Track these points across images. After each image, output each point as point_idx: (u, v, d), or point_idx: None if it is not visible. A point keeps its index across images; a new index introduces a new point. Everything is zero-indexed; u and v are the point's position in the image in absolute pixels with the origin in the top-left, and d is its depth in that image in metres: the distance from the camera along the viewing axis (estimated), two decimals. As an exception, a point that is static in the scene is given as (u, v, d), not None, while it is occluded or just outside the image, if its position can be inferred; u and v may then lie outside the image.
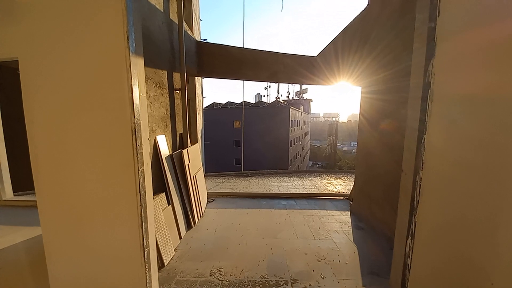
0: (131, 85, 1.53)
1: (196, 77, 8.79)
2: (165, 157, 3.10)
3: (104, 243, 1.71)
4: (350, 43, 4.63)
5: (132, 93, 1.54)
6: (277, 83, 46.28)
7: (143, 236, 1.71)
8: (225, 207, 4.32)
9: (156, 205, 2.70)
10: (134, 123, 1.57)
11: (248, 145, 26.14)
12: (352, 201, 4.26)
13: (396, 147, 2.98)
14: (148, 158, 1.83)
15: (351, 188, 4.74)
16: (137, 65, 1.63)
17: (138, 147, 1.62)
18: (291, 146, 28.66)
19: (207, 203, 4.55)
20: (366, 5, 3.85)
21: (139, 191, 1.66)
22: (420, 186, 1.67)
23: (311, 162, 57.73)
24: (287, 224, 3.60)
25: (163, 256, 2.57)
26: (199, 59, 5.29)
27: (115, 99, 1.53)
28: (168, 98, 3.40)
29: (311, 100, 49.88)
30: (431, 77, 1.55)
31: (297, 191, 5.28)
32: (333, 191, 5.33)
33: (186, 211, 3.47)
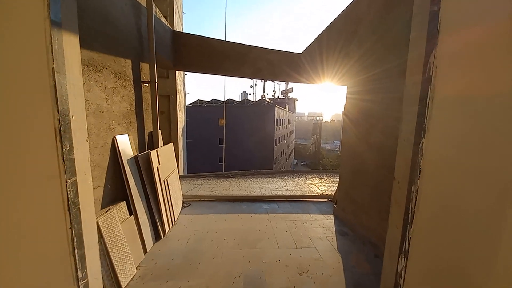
0: (53, 69, 1.13)
1: (177, 72, 8.25)
2: (127, 160, 2.67)
3: (29, 280, 1.30)
4: (336, 41, 4.43)
5: (54, 80, 1.14)
6: (262, 81, 46.10)
7: (76, 266, 1.32)
8: (202, 213, 3.95)
9: (111, 218, 2.28)
10: (59, 120, 1.18)
11: (233, 144, 25.70)
12: (336, 204, 4.08)
13: (383, 149, 2.79)
14: (86, 165, 1.43)
15: (335, 189, 4.58)
16: (67, 43, 1.23)
17: (66, 152, 1.22)
18: (276, 144, 28.61)
19: (182, 208, 4.16)
20: (351, 1, 3.64)
21: (69, 209, 1.26)
22: (416, 198, 1.44)
23: (296, 160, 58.43)
24: (268, 232, 3.31)
25: (119, 278, 2.17)
26: (176, 51, 4.83)
27: (32, 89, 1.13)
28: (133, 92, 2.96)
29: (296, 100, 50.29)
30: (432, 71, 1.31)
31: (280, 193, 5.03)
32: (317, 192, 5.14)
33: (154, 220, 3.07)
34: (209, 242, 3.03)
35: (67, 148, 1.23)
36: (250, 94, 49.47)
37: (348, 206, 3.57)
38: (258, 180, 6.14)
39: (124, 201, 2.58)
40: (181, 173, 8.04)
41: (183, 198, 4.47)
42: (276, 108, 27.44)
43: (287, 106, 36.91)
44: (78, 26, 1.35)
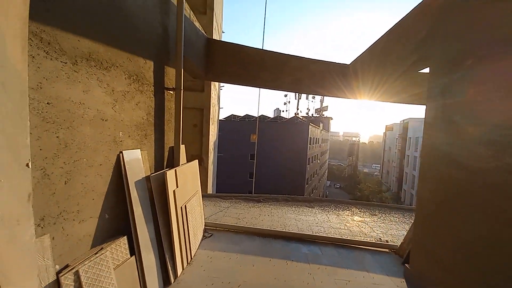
0: None
1: (212, 86, 8.06)
2: (135, 182, 2.11)
3: None
4: (401, 48, 3.50)
5: None
6: (296, 99, 45.46)
7: None
8: (225, 250, 3.19)
9: (100, 263, 1.66)
10: None
11: (264, 160, 25.00)
12: (405, 259, 2.93)
13: None
14: (24, 207, 0.81)
15: (403, 237, 3.41)
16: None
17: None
18: (308, 164, 27.01)
19: (202, 239, 3.46)
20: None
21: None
22: None
23: (329, 181, 54.83)
24: (310, 293, 2.37)
25: None
26: (209, 59, 4.45)
27: None
28: (153, 99, 2.48)
29: (331, 118, 48.12)
30: None
31: (322, 231, 4.01)
32: (371, 236, 3.98)
33: (163, 259, 2.41)
34: (230, 300, 2.22)
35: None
36: (283, 111, 49.16)
37: (431, 270, 2.42)
38: (293, 209, 5.19)
39: (125, 236, 1.98)
40: (209, 188, 7.53)
41: (204, 225, 3.80)
42: (310, 126, 26.27)
43: (321, 125, 35.29)
44: None
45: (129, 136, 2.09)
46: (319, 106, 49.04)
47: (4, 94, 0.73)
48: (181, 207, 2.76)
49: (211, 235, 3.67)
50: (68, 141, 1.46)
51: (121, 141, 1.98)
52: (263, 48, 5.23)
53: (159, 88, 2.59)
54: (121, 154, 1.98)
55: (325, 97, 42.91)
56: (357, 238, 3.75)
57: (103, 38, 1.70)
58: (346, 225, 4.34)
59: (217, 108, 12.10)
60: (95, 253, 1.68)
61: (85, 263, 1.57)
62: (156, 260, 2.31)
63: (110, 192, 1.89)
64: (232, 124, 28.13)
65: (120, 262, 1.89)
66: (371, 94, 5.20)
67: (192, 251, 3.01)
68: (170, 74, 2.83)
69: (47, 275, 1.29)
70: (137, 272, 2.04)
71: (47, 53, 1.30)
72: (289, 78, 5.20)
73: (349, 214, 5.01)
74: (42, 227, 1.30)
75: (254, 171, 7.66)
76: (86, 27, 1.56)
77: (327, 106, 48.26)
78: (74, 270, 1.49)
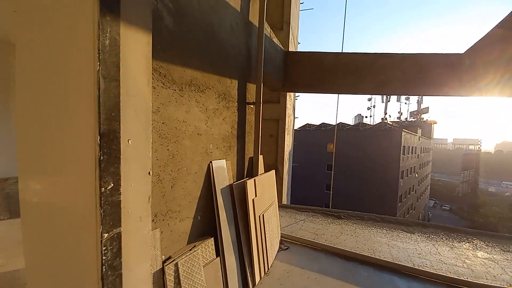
0: (98, 71, 0.79)
1: (287, 96, 8.24)
2: (221, 189, 2.34)
3: None
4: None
5: (98, 88, 0.79)
6: (384, 102, 39.53)
7: None
8: (302, 266, 3.03)
9: (193, 259, 1.91)
10: (100, 145, 0.80)
11: (343, 171, 22.87)
12: None
13: None
14: (144, 209, 1.02)
15: None
16: (128, 41, 0.89)
17: (107, 193, 0.83)
18: (402, 178, 22.57)
19: (278, 251, 3.44)
20: None
21: (102, 278, 0.84)
22: None
23: (433, 201, 43.80)
24: None
25: None
26: (286, 71, 4.55)
27: (69, 98, 0.83)
28: (237, 113, 2.73)
29: (435, 122, 38.84)
30: None
31: (427, 264, 3.17)
32: (504, 280, 2.81)
33: (243, 265, 2.53)
34: (309, 325, 2.05)
35: (109, 187, 0.84)
36: (366, 117, 43.82)
37: None
38: (384, 231, 4.39)
39: (212, 238, 2.21)
40: (284, 199, 7.53)
41: (280, 237, 3.77)
42: (403, 133, 22.10)
43: (419, 131, 29.03)
44: (175, 35, 1.05)
45: (217, 147, 2.36)
46: (415, 108, 40.91)
47: (136, 117, 0.96)
48: (259, 216, 2.84)
49: (287, 248, 3.60)
50: (175, 152, 1.79)
51: (211, 152, 2.26)
52: (343, 51, 4.86)
53: (242, 103, 2.83)
54: (210, 164, 2.26)
55: (423, 96, 35.26)
56: (482, 281, 2.73)
57: (201, 66, 2.03)
58: (465, 262, 3.25)
59: (292, 118, 12.15)
60: (190, 249, 1.95)
61: (183, 257, 1.84)
62: (236, 264, 2.45)
63: (202, 197, 2.16)
64: (307, 134, 27.51)
65: (208, 261, 2.11)
66: (497, 89, 3.88)
67: (269, 261, 3.03)
68: (251, 89, 3.06)
69: (155, 264, 1.58)
70: (221, 272, 2.22)
71: (163, 83, 1.65)
72: (376, 80, 4.59)
73: (470, 248, 3.75)
74: (155, 222, 1.62)
75: (332, 183, 7.05)
76: (190, 59, 1.91)
77: (427, 108, 39.57)
78: (174, 262, 1.77)
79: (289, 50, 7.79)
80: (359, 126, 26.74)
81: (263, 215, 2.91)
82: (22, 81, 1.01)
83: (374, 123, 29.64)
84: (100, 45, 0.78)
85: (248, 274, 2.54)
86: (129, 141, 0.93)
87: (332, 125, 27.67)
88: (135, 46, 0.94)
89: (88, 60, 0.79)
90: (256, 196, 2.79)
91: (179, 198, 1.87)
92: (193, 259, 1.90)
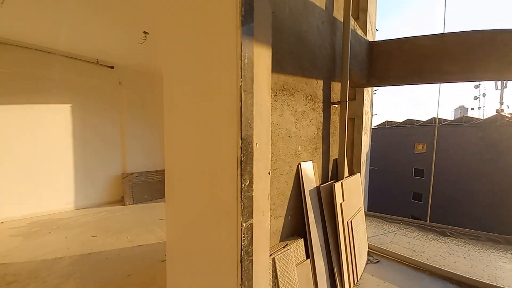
0: (241, 87, 0.93)
1: (365, 92, 7.48)
2: (309, 190, 2.34)
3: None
4: None
5: (241, 100, 0.94)
6: (500, 87, 29.88)
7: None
8: (398, 285, 2.67)
9: (288, 257, 1.98)
10: (241, 148, 0.95)
11: (439, 178, 18.69)
12: None
13: None
14: (266, 204, 1.14)
15: None
16: (257, 58, 1.02)
17: (245, 188, 0.97)
18: (535, 190, 16.44)
19: (366, 263, 3.15)
20: None
21: (241, 261, 0.99)
22: None
23: None
24: None
25: None
26: (370, 64, 4.12)
27: (214, 109, 1.01)
28: (322, 114, 2.67)
29: None
30: None
31: None
32: None
33: (332, 271, 2.44)
34: None
35: (247, 183, 0.98)
36: (472, 108, 34.41)
37: None
38: (510, 256, 3.32)
39: (302, 239, 2.23)
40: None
41: (368, 248, 3.43)
42: (537, 128, 16.13)
43: None
44: (272, 44, 1.15)
45: (304, 149, 2.38)
46: (558, 94, 29.20)
47: (261, 123, 1.09)
48: (347, 222, 2.68)
49: (377, 261, 3.24)
50: (272, 154, 1.91)
51: (299, 154, 2.30)
52: (445, 32, 3.99)
53: (326, 103, 2.75)
54: (299, 165, 2.29)
55: None
56: None
57: (292, 71, 2.10)
58: None
59: (370, 115, 10.88)
60: (283, 247, 2.03)
61: (278, 253, 1.94)
62: (325, 269, 2.39)
63: (292, 197, 2.22)
64: (387, 133, 24.04)
65: (299, 261, 2.14)
66: None
67: (358, 272, 2.81)
68: (335, 88, 2.93)
69: (261, 255, 1.72)
70: (311, 276, 2.21)
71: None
72: (498, 62, 3.56)
73: None
74: (257, 218, 1.78)
75: (431, 192, 5.88)
76: (284, 65, 2.00)
77: None
78: (272, 257, 1.88)
79: (366, 37, 7.02)
80: (463, 121, 21.29)
81: (351, 221, 2.73)
82: (170, 101, 1.30)
83: (485, 117, 22.86)
84: (242, 64, 0.93)
85: (337, 281, 2.43)
86: (257, 144, 1.06)
87: (420, 121, 23.16)
88: (262, 60, 1.07)
89: (232, 78, 0.94)
90: (343, 200, 2.65)
91: (274, 197, 1.98)
92: (287, 256, 1.98)
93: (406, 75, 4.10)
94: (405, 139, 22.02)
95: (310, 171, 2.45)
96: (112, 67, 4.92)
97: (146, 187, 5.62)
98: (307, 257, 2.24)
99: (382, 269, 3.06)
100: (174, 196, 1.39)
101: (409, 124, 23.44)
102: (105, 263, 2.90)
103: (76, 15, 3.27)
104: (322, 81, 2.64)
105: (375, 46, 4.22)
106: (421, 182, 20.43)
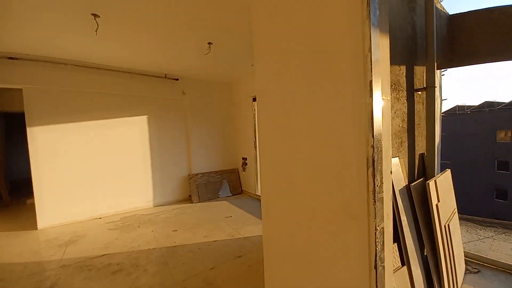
0: (371, 81, 0.87)
1: (437, 72, 6.51)
2: (399, 190, 2.11)
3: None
4: None
5: (371, 97, 0.87)
6: None
7: None
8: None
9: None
10: (373, 146, 0.88)
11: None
12: None
13: None
14: (389, 206, 1.05)
15: None
16: (382, 51, 0.94)
17: (377, 189, 0.90)
18: None
19: (465, 273, 2.70)
20: None
21: (375, 267, 0.93)
22: None
23: None
24: None
25: None
26: (452, 41, 3.51)
27: (335, 106, 0.96)
28: (406, 104, 2.38)
29: None
30: None
31: None
32: None
33: (430, 281, 2.16)
34: None
35: (378, 184, 0.90)
36: None
37: None
38: None
39: (395, 244, 2.03)
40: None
41: (464, 256, 2.94)
42: None
43: None
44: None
45: (391, 145, 2.15)
46: None
47: (384, 118, 0.99)
48: (444, 226, 2.33)
49: (478, 272, 2.75)
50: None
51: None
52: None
53: (410, 91, 2.44)
54: (386, 162, 2.09)
55: None
56: None
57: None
58: None
59: (439, 101, 9.46)
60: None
61: (373, 258, 1.79)
62: (422, 278, 2.12)
63: (380, 197, 2.03)
64: (459, 119, 20.51)
65: (395, 267, 1.95)
66: None
67: (458, 284, 2.42)
68: (418, 73, 2.58)
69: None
70: (409, 283, 1.99)
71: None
72: None
73: None
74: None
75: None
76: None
77: None
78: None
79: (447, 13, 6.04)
80: None
81: (448, 225, 2.36)
82: (282, 104, 1.31)
83: None
84: (371, 60, 0.86)
85: (438, 293, 2.13)
86: (382, 142, 0.98)
87: (501, 103, 18.99)
88: (384, 51, 0.98)
89: (356, 68, 0.89)
90: (438, 201, 2.31)
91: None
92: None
93: (500, 50, 3.36)
94: (483, 126, 18.45)
95: (397, 168, 2.21)
96: (177, 79, 5.45)
97: (208, 186, 6.05)
98: (402, 264, 2.02)
99: (485, 280, 2.58)
100: (278, 202, 1.42)
101: (488, 107, 19.49)
102: (190, 255, 3.20)
103: (149, 43, 3.74)
104: (404, 67, 2.35)
105: (457, 19, 3.58)
106: (506, 176, 16.80)
